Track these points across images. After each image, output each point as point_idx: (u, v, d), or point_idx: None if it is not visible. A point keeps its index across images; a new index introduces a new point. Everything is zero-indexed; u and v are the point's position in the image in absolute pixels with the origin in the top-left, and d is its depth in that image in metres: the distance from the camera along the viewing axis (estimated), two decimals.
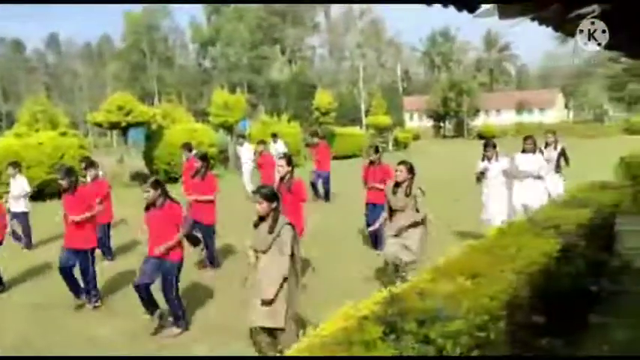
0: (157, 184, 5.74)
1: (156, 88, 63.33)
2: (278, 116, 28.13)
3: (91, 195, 7.09)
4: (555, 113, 63.20)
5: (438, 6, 2.48)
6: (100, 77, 69.47)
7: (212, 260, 8.26)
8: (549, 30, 3.01)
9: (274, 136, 16.63)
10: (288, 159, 6.99)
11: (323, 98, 28.97)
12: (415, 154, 26.90)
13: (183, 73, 67.06)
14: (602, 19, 2.67)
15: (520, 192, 8.34)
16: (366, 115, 42.13)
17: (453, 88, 51.72)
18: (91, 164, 8.75)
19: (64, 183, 6.70)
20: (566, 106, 69.59)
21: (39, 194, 15.62)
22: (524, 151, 8.71)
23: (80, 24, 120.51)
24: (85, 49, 78.21)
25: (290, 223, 4.63)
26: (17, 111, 44.32)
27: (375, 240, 8.68)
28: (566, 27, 2.73)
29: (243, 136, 17.19)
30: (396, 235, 6.28)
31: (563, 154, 9.60)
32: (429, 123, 55.85)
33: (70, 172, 6.89)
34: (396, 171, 6.39)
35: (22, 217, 10.13)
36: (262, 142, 13.71)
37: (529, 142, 8.70)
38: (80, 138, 18.36)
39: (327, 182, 14.01)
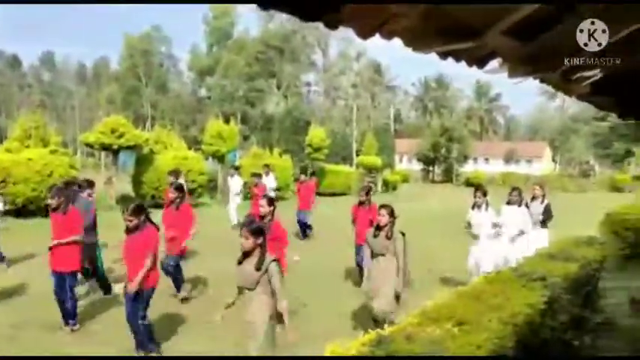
0: (139, 212, 5.60)
1: (149, 113, 63.51)
2: (270, 149, 28.23)
3: (80, 217, 6.87)
4: (543, 165, 64.14)
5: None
6: (93, 98, 69.69)
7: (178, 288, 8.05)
8: (537, 84, 3.13)
9: (267, 166, 16.45)
10: (269, 200, 6.78)
11: (316, 134, 29.10)
12: (404, 197, 26.97)
13: (178, 100, 67.38)
14: (597, 82, 2.79)
15: (503, 245, 8.31)
16: (357, 154, 42.36)
17: (444, 134, 52.40)
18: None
19: (53, 202, 6.56)
20: (554, 160, 70.69)
21: (21, 211, 15.44)
22: (509, 202, 8.67)
23: (79, 44, 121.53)
24: (80, 69, 78.60)
25: (276, 259, 4.61)
26: (9, 126, 44.07)
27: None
28: (564, 86, 2.84)
29: (235, 167, 17.11)
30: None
31: (547, 210, 9.18)
32: (418, 166, 56.33)
33: (60, 191, 6.76)
34: (379, 215, 6.28)
35: None
36: (257, 174, 13.86)
37: (515, 194, 8.65)
38: (70, 157, 18.21)
39: (305, 220, 13.92)
